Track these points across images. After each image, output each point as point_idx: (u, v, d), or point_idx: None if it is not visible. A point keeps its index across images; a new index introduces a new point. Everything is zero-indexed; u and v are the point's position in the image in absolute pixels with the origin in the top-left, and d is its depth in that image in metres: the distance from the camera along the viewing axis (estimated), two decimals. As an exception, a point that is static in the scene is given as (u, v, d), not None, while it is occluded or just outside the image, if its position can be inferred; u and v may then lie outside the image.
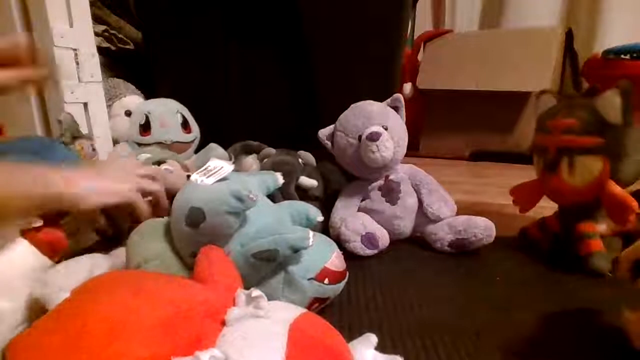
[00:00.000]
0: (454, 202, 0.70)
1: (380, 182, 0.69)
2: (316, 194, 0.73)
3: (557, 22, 1.66)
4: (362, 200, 0.70)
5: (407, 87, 1.67)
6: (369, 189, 0.69)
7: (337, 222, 0.67)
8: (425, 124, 1.64)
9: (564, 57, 1.50)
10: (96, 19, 0.99)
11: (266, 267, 0.43)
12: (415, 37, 1.76)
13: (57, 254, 0.42)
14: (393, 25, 0.93)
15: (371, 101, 0.70)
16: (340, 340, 0.29)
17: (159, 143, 0.81)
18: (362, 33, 0.91)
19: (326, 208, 0.69)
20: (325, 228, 0.68)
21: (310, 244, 0.43)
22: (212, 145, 0.86)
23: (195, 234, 0.43)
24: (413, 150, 1.48)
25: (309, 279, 0.44)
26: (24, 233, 0.39)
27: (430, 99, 1.62)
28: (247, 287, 0.33)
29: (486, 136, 1.51)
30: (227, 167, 0.47)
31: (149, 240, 0.47)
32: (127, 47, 1.12)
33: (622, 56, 1.23)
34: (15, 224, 0.39)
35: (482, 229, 0.63)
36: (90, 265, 0.44)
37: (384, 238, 0.66)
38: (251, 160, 0.77)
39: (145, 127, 0.82)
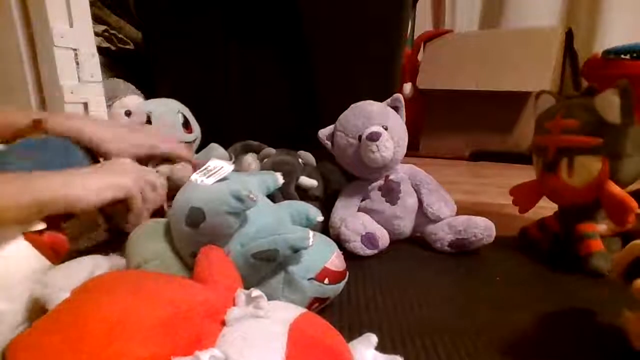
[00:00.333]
0: (454, 202, 0.70)
1: (380, 182, 0.69)
2: (316, 194, 0.74)
3: (557, 22, 1.66)
4: (362, 200, 0.70)
5: (407, 87, 1.67)
6: (369, 189, 0.69)
7: (337, 222, 0.67)
8: (425, 124, 1.64)
9: (564, 57, 1.50)
10: (96, 19, 0.99)
11: (266, 267, 0.43)
12: (415, 37, 1.76)
13: (59, 257, 0.42)
14: (393, 25, 0.93)
15: (371, 101, 0.70)
16: (340, 340, 0.30)
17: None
18: (362, 33, 0.91)
19: (326, 208, 0.69)
20: (325, 228, 0.68)
21: (310, 244, 0.43)
22: (213, 145, 0.86)
23: (195, 234, 0.43)
24: (413, 150, 1.49)
25: (309, 279, 0.44)
26: (27, 235, 0.39)
27: (430, 99, 1.62)
28: (247, 287, 0.33)
29: (486, 136, 1.51)
30: (227, 167, 0.47)
31: (149, 240, 0.47)
32: (127, 47, 1.12)
33: (622, 56, 1.23)
34: (17, 228, 0.39)
35: (482, 229, 0.63)
36: (90, 266, 0.44)
37: (384, 238, 0.66)
38: (250, 159, 0.77)
39: (147, 127, 0.82)
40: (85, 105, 0.87)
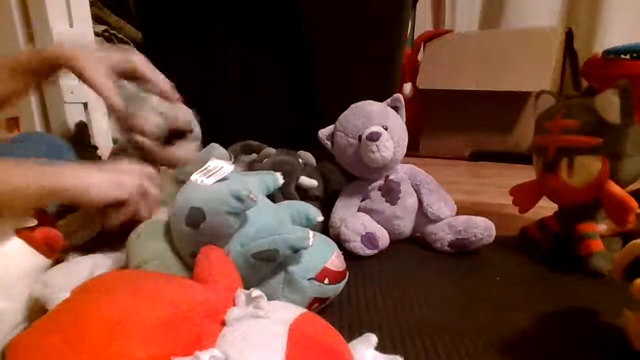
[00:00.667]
0: (454, 202, 0.70)
1: (380, 182, 0.69)
2: (316, 194, 0.73)
3: (557, 22, 1.66)
4: (362, 200, 0.70)
5: (407, 87, 1.67)
6: (369, 189, 0.69)
7: (337, 222, 0.67)
8: (425, 124, 1.64)
9: (564, 57, 1.50)
10: (96, 19, 0.99)
11: (266, 267, 0.43)
12: (415, 37, 1.76)
13: (54, 252, 0.42)
14: (393, 25, 0.93)
15: (371, 101, 0.70)
16: (340, 340, 0.29)
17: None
18: (362, 33, 0.91)
19: (326, 208, 0.69)
20: (325, 228, 0.68)
21: (310, 244, 0.43)
22: (213, 145, 0.86)
23: (195, 234, 0.43)
24: (413, 150, 1.49)
25: (309, 279, 0.44)
26: (19, 233, 0.39)
27: (430, 99, 1.62)
28: (247, 287, 0.33)
29: (486, 136, 1.51)
30: (227, 167, 0.47)
31: (149, 240, 0.47)
32: (127, 47, 1.12)
33: (622, 56, 1.23)
34: (12, 222, 0.39)
35: (482, 229, 0.63)
36: (90, 266, 0.44)
37: (384, 238, 0.66)
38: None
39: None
40: (85, 105, 0.87)
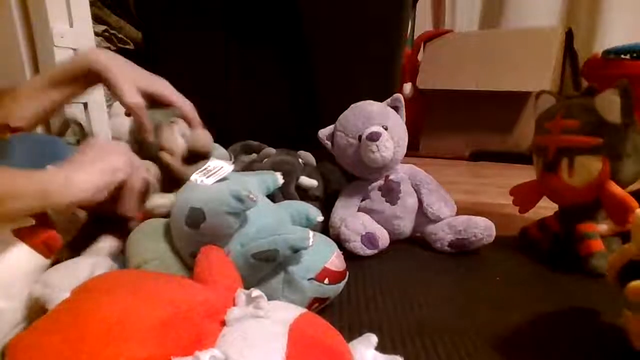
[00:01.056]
0: (454, 202, 0.70)
1: (380, 182, 0.69)
2: (316, 194, 0.73)
3: (557, 22, 1.66)
4: (362, 200, 0.70)
5: (407, 87, 1.67)
6: (369, 189, 0.69)
7: (337, 222, 0.67)
8: (425, 124, 1.64)
9: (564, 57, 1.50)
10: (96, 19, 0.99)
11: (266, 267, 0.43)
12: (415, 37, 1.76)
13: (53, 253, 0.42)
14: (393, 25, 0.93)
15: (371, 101, 0.70)
16: (340, 340, 0.29)
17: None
18: (362, 33, 0.91)
19: (326, 208, 0.69)
20: (325, 228, 0.68)
21: (310, 244, 0.43)
22: (213, 145, 0.86)
23: (195, 234, 0.43)
24: (413, 150, 1.49)
25: (309, 279, 0.44)
26: (17, 233, 0.39)
27: (430, 99, 1.62)
28: (247, 287, 0.33)
29: (486, 136, 1.51)
30: (227, 167, 0.47)
31: (149, 240, 0.47)
32: (127, 47, 1.12)
33: (622, 56, 1.23)
34: (9, 225, 0.39)
35: (482, 229, 0.63)
36: (90, 266, 0.44)
37: (384, 238, 0.66)
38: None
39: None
40: (85, 105, 0.87)
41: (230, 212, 0.42)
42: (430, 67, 1.59)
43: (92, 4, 0.89)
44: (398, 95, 0.70)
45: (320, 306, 0.47)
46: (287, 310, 0.30)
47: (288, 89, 0.99)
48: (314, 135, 0.72)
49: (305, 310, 0.31)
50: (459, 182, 1.15)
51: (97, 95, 0.89)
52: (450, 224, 0.65)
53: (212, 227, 0.42)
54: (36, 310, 0.36)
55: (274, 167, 0.67)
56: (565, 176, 0.59)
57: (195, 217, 0.42)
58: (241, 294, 0.31)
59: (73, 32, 0.82)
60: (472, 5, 1.83)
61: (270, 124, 0.95)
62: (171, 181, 0.54)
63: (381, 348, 0.30)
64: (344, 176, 0.76)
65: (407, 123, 0.70)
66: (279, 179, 0.59)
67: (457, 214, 0.68)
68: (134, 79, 0.52)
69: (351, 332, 0.37)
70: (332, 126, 0.71)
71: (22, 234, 0.39)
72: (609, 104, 0.54)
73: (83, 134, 0.77)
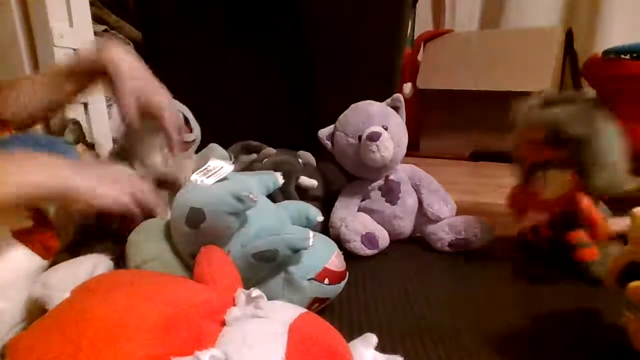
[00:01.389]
0: (454, 202, 0.70)
1: (380, 182, 0.69)
2: (316, 194, 0.73)
3: (557, 22, 1.66)
4: (362, 200, 0.70)
5: (407, 87, 1.67)
6: (369, 189, 0.69)
7: (337, 222, 0.67)
8: (425, 124, 1.64)
9: (564, 57, 1.50)
10: (96, 19, 0.99)
11: (266, 268, 0.43)
12: (415, 37, 1.75)
13: (51, 254, 0.42)
14: (393, 25, 0.93)
15: (371, 101, 0.70)
16: (340, 340, 0.29)
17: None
18: (362, 33, 0.91)
19: (326, 208, 0.69)
20: (325, 228, 0.68)
21: (310, 244, 0.43)
22: (213, 145, 0.86)
23: (195, 234, 0.43)
24: (413, 150, 1.48)
25: (309, 279, 0.44)
26: (15, 234, 0.39)
27: (430, 99, 1.62)
28: (247, 287, 0.33)
29: (486, 136, 1.51)
30: (227, 167, 0.47)
31: (149, 240, 0.47)
32: (127, 47, 1.12)
33: (622, 56, 1.22)
34: (8, 223, 0.39)
35: (482, 229, 0.63)
36: (91, 266, 0.44)
37: (384, 238, 0.66)
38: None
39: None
40: (85, 105, 0.87)
41: (230, 212, 0.42)
42: (430, 67, 1.59)
43: (92, 4, 0.89)
44: (398, 95, 0.70)
45: (320, 306, 0.47)
46: (287, 310, 0.30)
47: (288, 89, 0.99)
48: (314, 135, 0.72)
49: (305, 310, 0.31)
50: (459, 182, 1.15)
51: (97, 95, 0.89)
52: (451, 224, 0.65)
53: (212, 227, 0.42)
54: (36, 311, 0.36)
55: (274, 167, 0.67)
56: (540, 189, 0.58)
57: (195, 217, 0.42)
58: (241, 294, 0.31)
59: (73, 32, 0.82)
60: (472, 5, 1.83)
61: (270, 124, 0.95)
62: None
63: (381, 348, 0.30)
64: (344, 176, 0.76)
65: (407, 123, 0.70)
66: (279, 179, 0.58)
67: (457, 214, 0.68)
68: (138, 90, 0.54)
69: (351, 332, 0.37)
70: (332, 126, 0.71)
71: (21, 236, 0.39)
72: (568, 119, 0.52)
73: (81, 133, 0.77)
